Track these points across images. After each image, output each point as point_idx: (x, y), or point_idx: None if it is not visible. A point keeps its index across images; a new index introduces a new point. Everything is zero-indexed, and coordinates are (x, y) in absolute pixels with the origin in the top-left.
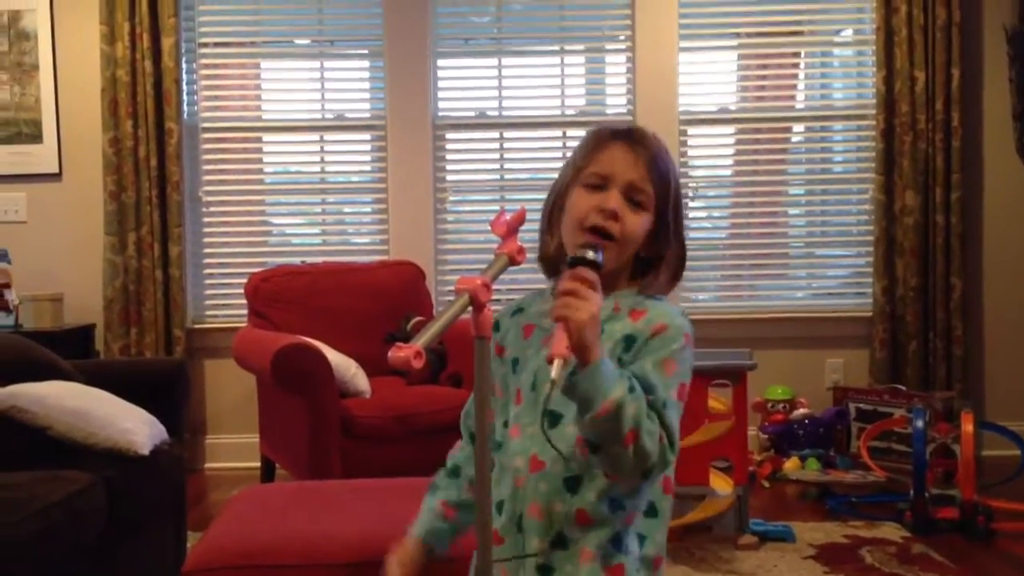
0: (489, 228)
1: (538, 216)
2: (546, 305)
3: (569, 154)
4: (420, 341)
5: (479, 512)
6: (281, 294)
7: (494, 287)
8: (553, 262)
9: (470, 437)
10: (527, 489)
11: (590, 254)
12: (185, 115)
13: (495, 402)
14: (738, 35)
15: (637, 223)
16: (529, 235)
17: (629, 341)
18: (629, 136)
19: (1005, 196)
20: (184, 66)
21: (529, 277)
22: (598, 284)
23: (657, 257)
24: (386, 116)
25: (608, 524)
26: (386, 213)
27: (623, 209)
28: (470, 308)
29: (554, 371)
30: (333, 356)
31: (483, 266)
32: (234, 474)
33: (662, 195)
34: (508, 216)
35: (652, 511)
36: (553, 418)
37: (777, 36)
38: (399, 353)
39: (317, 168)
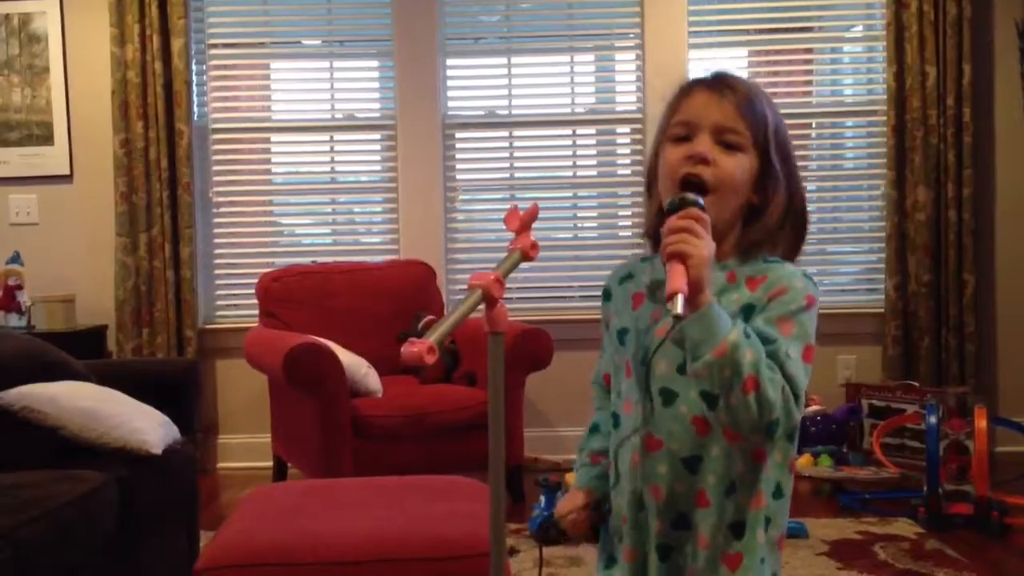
0: (501, 226)
1: (549, 213)
2: (653, 275)
3: (579, 152)
4: (433, 336)
5: (493, 504)
6: (292, 294)
7: (506, 283)
8: (656, 232)
9: (605, 393)
10: (646, 470)
11: (690, 196)
12: (195, 116)
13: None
14: (748, 32)
15: (734, 165)
16: (541, 232)
17: (747, 311)
18: (713, 81)
19: (1017, 192)
20: (194, 67)
21: (532, 275)
22: (708, 223)
23: (762, 205)
24: (396, 116)
25: (727, 509)
26: (396, 212)
27: (714, 151)
28: (483, 304)
29: (679, 306)
30: (344, 356)
31: (494, 264)
32: (246, 474)
33: (760, 134)
34: (522, 211)
35: (779, 492)
36: (668, 396)
37: (787, 33)
38: (412, 348)
39: (327, 168)
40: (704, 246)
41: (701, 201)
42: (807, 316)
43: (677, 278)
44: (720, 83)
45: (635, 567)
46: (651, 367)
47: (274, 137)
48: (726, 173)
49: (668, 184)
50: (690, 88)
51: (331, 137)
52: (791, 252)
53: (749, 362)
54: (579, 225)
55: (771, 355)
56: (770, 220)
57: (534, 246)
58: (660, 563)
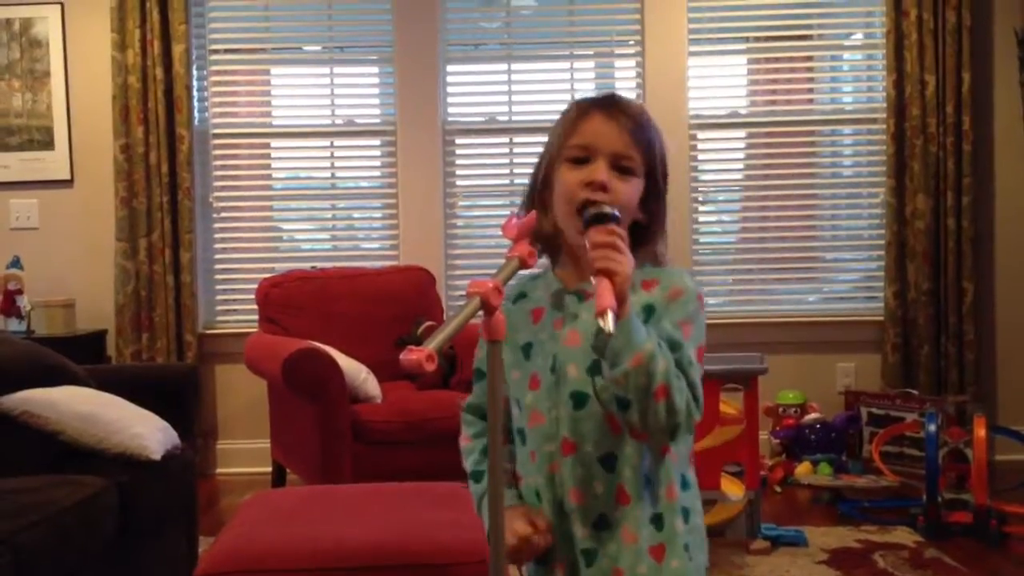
0: (500, 232)
1: None
2: (550, 288)
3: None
4: (432, 344)
5: (491, 515)
6: (292, 299)
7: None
8: (548, 241)
9: (482, 418)
10: (564, 474)
11: (607, 208)
12: (196, 121)
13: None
14: (747, 39)
15: (628, 190)
16: None
17: (649, 311)
18: (608, 104)
19: (1016, 200)
20: (195, 72)
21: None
22: (627, 238)
23: (652, 221)
24: (396, 121)
25: (645, 503)
26: (396, 218)
27: (611, 179)
28: (481, 312)
29: (609, 323)
30: (344, 361)
31: (494, 271)
32: (245, 479)
33: (650, 158)
34: (519, 220)
35: (686, 484)
36: (579, 400)
37: (787, 40)
38: (411, 356)
39: (327, 173)
40: (627, 262)
41: (617, 214)
42: (701, 317)
43: (606, 295)
44: (616, 108)
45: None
46: (560, 374)
47: (274, 142)
48: (621, 198)
49: (565, 206)
50: (587, 111)
51: (331, 143)
52: (663, 252)
53: (661, 371)
54: None
55: (677, 362)
56: (657, 234)
57: (532, 254)
58: (587, 568)
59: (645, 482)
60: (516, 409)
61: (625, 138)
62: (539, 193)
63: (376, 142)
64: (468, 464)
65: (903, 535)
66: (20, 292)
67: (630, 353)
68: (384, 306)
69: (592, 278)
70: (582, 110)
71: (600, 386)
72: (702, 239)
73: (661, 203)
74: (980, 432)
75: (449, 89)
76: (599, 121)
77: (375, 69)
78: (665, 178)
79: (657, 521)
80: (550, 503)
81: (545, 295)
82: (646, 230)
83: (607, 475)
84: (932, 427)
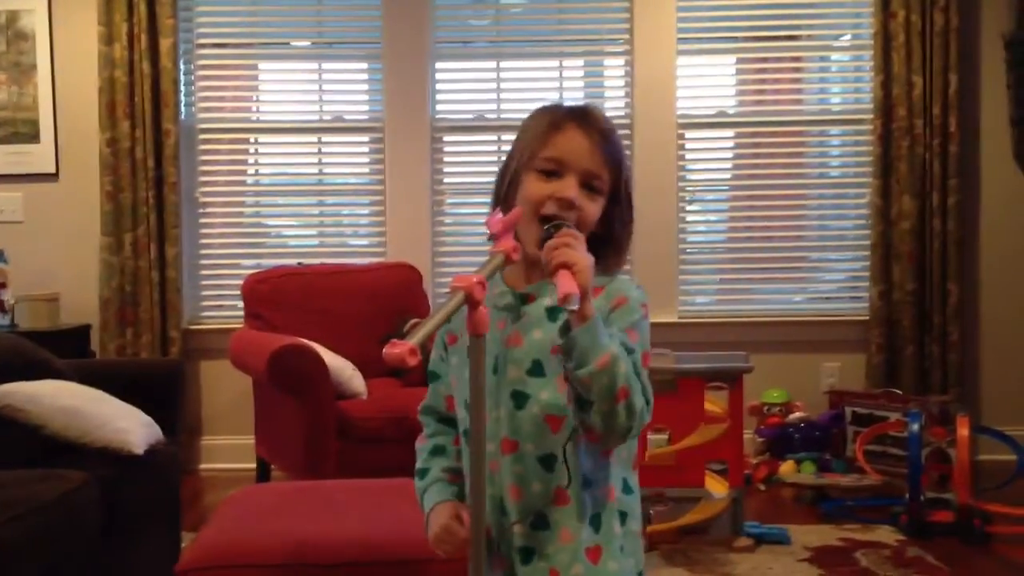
0: (486, 230)
1: None
2: (497, 289)
3: None
4: (415, 338)
5: (473, 511)
6: (277, 295)
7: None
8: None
9: (438, 420)
10: (502, 472)
11: (566, 226)
12: (183, 116)
13: (450, 389)
14: (736, 40)
15: (594, 209)
16: None
17: None
18: (583, 119)
19: (1002, 202)
20: (182, 67)
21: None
22: (583, 239)
23: (610, 236)
24: (384, 118)
25: (584, 504)
26: (383, 215)
27: (580, 198)
28: (465, 306)
29: (574, 302)
30: (329, 357)
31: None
32: (229, 475)
33: (616, 178)
34: (503, 215)
35: (627, 488)
36: (519, 399)
37: (775, 41)
38: (394, 350)
39: (315, 170)
40: (584, 256)
41: (570, 224)
42: (645, 324)
43: (566, 282)
44: (590, 125)
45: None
46: (501, 374)
47: (261, 138)
48: (587, 217)
49: (530, 215)
50: (561, 123)
51: (319, 139)
52: (618, 267)
53: (623, 373)
54: None
55: (632, 365)
56: (615, 248)
57: (516, 249)
58: (523, 566)
59: (584, 483)
60: (462, 411)
61: (597, 157)
62: (504, 194)
63: (364, 139)
64: (418, 463)
65: (885, 534)
66: (4, 286)
67: (596, 354)
68: (370, 303)
69: (551, 278)
70: (556, 122)
71: (553, 397)
72: (689, 238)
73: (624, 221)
74: (963, 432)
75: (438, 86)
76: (574, 136)
77: (363, 65)
78: (629, 197)
79: (595, 522)
80: (491, 500)
81: (490, 295)
82: (599, 242)
83: (545, 475)
84: (915, 427)
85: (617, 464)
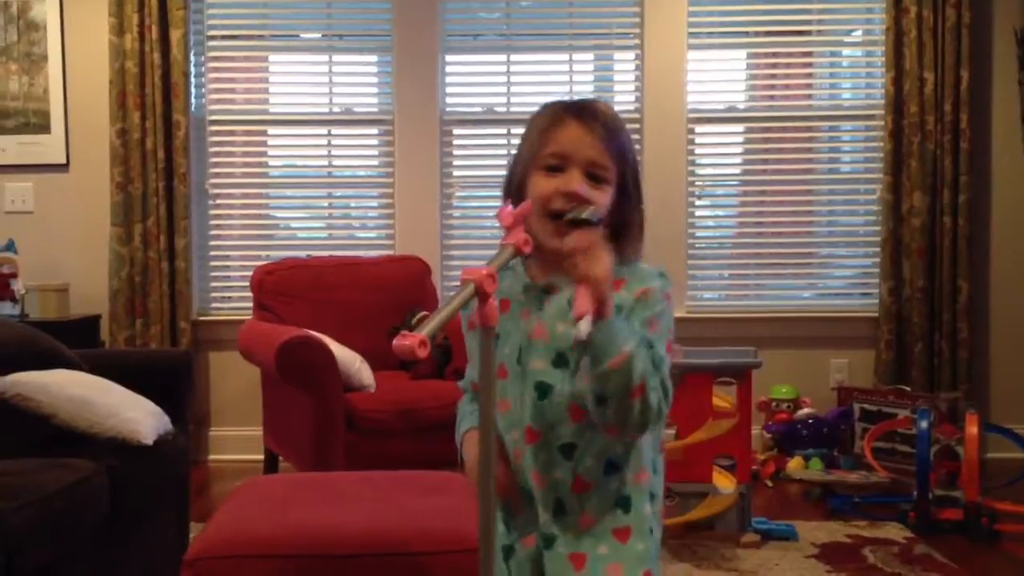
0: (496, 224)
1: None
2: (519, 281)
3: None
4: (425, 330)
5: (481, 499)
6: (286, 287)
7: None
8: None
9: (476, 396)
10: (526, 460)
11: (585, 214)
12: (193, 107)
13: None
14: (747, 34)
15: (600, 198)
16: None
17: (617, 311)
18: (582, 112)
19: (1013, 199)
20: (192, 58)
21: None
22: (604, 240)
23: (623, 225)
24: (394, 111)
25: (606, 489)
26: (392, 208)
27: (587, 189)
28: (475, 298)
29: (584, 327)
30: (338, 350)
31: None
32: (237, 466)
33: (622, 167)
34: (514, 207)
35: (655, 469)
36: (543, 390)
37: (787, 36)
38: (404, 341)
39: (324, 162)
40: (607, 266)
41: (595, 219)
42: (668, 313)
43: (583, 300)
44: (590, 116)
45: (535, 551)
46: (525, 364)
47: (271, 130)
48: (598, 207)
49: (540, 212)
50: (561, 118)
51: (328, 131)
52: (636, 256)
53: (640, 372)
54: None
55: (652, 360)
56: (629, 237)
57: (527, 241)
58: (546, 551)
59: (608, 466)
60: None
61: (599, 147)
62: (514, 195)
63: (373, 131)
64: (457, 419)
65: (893, 531)
66: (14, 276)
67: (612, 353)
68: (379, 295)
69: (572, 285)
70: (556, 117)
71: (578, 388)
72: (698, 233)
73: (635, 208)
74: (972, 429)
75: (447, 79)
76: (574, 129)
77: (374, 58)
78: (637, 184)
79: (625, 504)
80: (518, 487)
81: (513, 287)
82: (613, 232)
83: (566, 463)
84: (924, 424)
85: (647, 447)
